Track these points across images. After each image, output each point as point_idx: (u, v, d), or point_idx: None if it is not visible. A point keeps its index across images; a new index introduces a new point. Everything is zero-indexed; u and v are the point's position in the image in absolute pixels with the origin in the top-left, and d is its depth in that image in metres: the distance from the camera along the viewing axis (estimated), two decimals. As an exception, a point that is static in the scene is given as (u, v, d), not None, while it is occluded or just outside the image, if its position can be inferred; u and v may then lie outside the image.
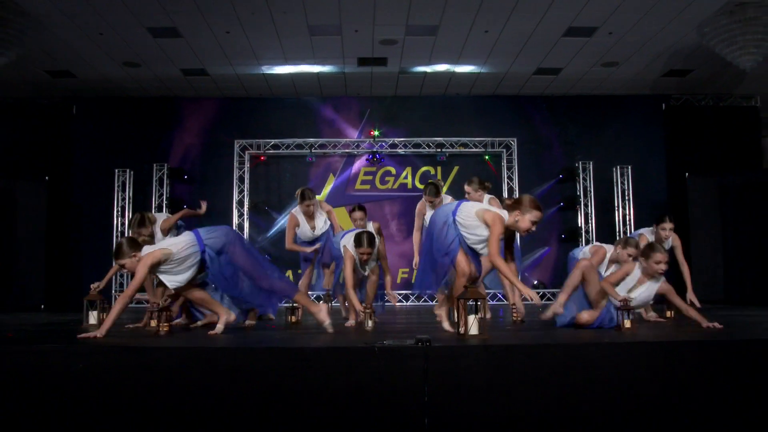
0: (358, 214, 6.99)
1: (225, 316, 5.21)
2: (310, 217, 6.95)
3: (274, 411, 3.47)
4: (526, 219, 4.69)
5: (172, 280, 5.05)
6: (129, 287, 4.82)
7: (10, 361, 3.69)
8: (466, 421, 3.44)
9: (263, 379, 3.54)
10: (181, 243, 5.06)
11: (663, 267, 5.29)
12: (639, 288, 5.37)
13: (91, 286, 6.33)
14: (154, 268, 4.94)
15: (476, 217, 4.77)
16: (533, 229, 4.76)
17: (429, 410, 3.42)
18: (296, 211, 7.00)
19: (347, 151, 13.03)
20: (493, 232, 4.65)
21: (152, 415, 3.50)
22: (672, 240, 6.87)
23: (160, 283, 5.35)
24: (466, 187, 6.79)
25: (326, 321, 5.09)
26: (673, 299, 5.46)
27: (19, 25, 9.50)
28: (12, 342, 4.47)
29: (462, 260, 4.83)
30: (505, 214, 4.77)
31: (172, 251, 4.96)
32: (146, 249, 5.01)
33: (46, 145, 12.53)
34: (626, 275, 5.40)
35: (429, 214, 6.75)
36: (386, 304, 6.96)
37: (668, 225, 6.83)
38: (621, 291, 5.28)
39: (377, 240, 5.97)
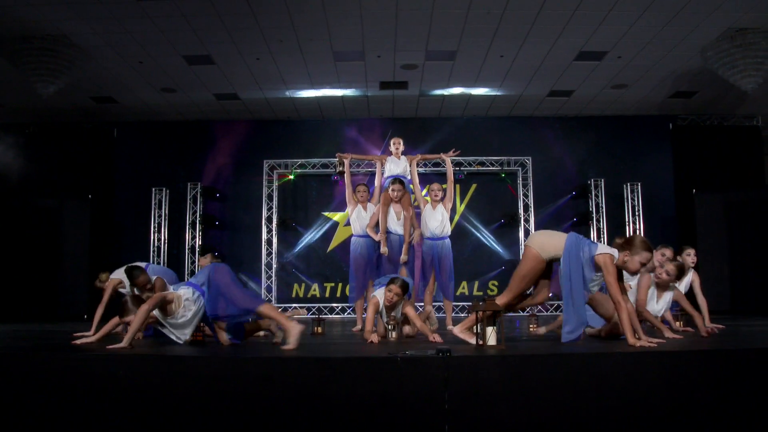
0: (396, 186, 7.08)
1: (292, 327, 4.54)
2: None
3: (302, 417, 3.49)
4: (636, 260, 4.41)
5: (179, 334, 4.81)
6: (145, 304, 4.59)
7: (57, 367, 3.77)
8: (484, 428, 3.44)
9: (293, 386, 3.56)
10: (188, 292, 4.83)
11: (669, 273, 5.40)
12: (663, 297, 5.48)
13: (75, 336, 5.46)
14: (164, 309, 4.75)
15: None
16: (642, 271, 4.54)
17: (449, 417, 3.42)
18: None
19: (370, 169, 13.05)
20: (609, 273, 4.46)
21: (187, 421, 3.54)
22: (692, 274, 6.43)
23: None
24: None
25: (293, 339, 4.43)
26: (684, 304, 5.59)
27: (68, 56, 9.75)
28: (57, 349, 4.53)
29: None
30: (614, 252, 4.55)
31: (182, 296, 4.78)
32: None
33: (89, 166, 12.74)
34: (648, 289, 5.42)
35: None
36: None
37: (692, 250, 6.61)
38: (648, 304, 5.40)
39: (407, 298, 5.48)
